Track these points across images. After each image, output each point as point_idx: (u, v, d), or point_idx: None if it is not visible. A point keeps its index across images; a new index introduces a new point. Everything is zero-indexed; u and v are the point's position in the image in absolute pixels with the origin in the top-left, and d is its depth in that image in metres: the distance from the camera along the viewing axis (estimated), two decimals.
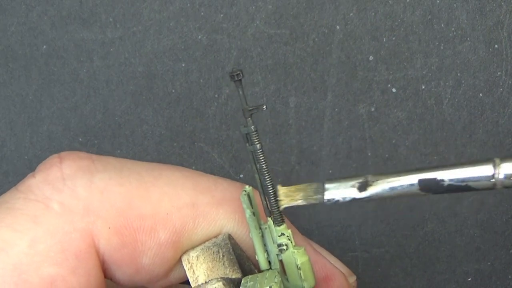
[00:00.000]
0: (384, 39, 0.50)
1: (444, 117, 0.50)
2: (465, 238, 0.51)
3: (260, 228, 0.38)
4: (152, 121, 0.51)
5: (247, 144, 0.36)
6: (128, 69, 0.51)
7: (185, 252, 0.39)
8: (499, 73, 0.49)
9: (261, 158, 0.36)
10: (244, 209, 0.37)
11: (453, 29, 0.49)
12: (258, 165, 0.36)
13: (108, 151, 0.51)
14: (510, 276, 0.51)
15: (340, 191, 0.36)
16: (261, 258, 0.38)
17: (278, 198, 0.37)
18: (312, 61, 0.50)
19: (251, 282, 0.37)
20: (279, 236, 0.37)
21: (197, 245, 0.39)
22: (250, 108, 0.36)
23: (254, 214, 0.37)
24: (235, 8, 0.50)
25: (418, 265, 0.51)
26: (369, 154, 0.50)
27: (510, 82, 0.49)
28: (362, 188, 0.36)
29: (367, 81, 0.50)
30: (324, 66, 0.50)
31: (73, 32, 0.51)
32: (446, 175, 0.35)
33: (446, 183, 0.35)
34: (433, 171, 0.35)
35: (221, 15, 0.50)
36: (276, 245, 0.37)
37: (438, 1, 0.49)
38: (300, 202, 0.36)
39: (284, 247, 0.37)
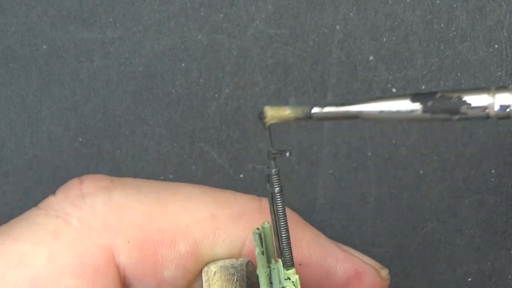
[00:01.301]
0: (384, 39, 0.50)
1: None
2: (465, 238, 0.51)
3: (269, 267, 0.38)
4: (152, 121, 0.51)
5: (268, 185, 0.37)
6: (128, 69, 0.51)
7: (207, 264, 0.39)
8: (499, 73, 0.49)
9: (279, 201, 0.37)
10: (254, 246, 0.37)
11: (453, 29, 0.49)
12: (275, 207, 0.37)
13: (108, 151, 0.51)
14: (510, 276, 0.51)
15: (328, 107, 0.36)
16: None
17: (264, 117, 0.37)
18: (312, 61, 0.50)
19: None
20: (285, 279, 0.37)
21: (219, 259, 0.39)
22: (274, 152, 0.37)
23: (263, 253, 0.37)
24: (235, 8, 0.50)
25: (418, 265, 0.51)
26: (369, 154, 0.50)
27: (510, 82, 0.49)
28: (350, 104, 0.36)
29: (367, 81, 0.50)
30: (324, 66, 0.50)
31: (73, 32, 0.51)
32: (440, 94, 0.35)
33: (437, 96, 0.35)
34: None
35: (221, 15, 0.50)
36: (281, 286, 0.38)
37: (438, 1, 0.49)
38: (287, 114, 0.36)
39: None
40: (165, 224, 0.39)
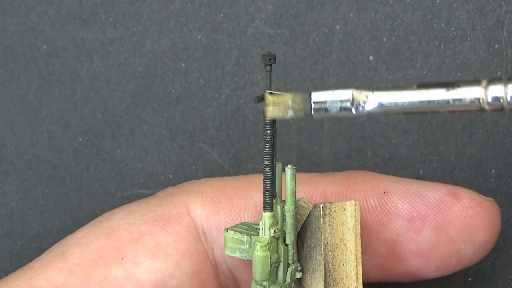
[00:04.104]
0: (384, 39, 0.50)
1: (444, 117, 0.50)
2: None
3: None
4: (152, 121, 0.51)
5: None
6: (128, 69, 0.51)
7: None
8: (499, 73, 0.49)
9: (268, 142, 0.37)
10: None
11: (453, 29, 0.49)
12: (264, 147, 0.38)
13: (108, 151, 0.51)
14: (510, 276, 0.51)
15: (329, 102, 0.36)
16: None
17: (264, 108, 0.37)
18: (312, 61, 0.50)
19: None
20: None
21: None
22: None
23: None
24: (235, 8, 0.50)
25: None
26: (369, 154, 0.50)
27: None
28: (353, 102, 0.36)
29: (367, 81, 0.50)
30: (324, 66, 0.50)
31: (73, 32, 0.51)
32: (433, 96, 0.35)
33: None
34: (433, 88, 0.35)
35: (221, 15, 0.50)
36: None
37: (438, 1, 0.49)
38: (288, 115, 0.37)
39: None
40: (240, 184, 0.43)
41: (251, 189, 0.42)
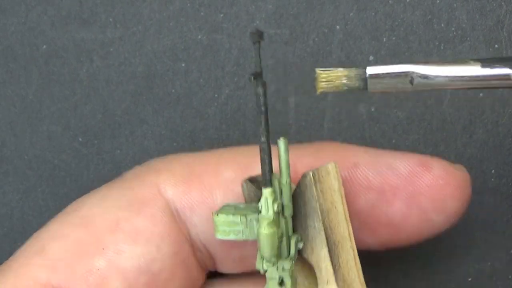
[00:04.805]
0: (384, 39, 0.50)
1: (444, 117, 0.50)
2: (465, 238, 0.51)
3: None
4: (152, 121, 0.51)
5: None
6: (128, 69, 0.51)
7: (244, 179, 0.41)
8: None
9: (263, 120, 0.38)
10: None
11: (453, 29, 0.49)
12: (261, 125, 0.38)
13: (108, 151, 0.51)
14: (510, 276, 0.51)
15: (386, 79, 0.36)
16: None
17: (316, 83, 0.37)
18: (312, 61, 0.50)
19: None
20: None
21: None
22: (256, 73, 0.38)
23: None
24: (235, 8, 0.50)
25: (418, 265, 0.51)
26: None
27: None
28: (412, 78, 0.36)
29: None
30: (324, 66, 0.50)
31: (73, 32, 0.51)
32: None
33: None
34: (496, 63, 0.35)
35: (221, 15, 0.50)
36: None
37: (438, 1, 0.49)
38: (342, 88, 0.37)
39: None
40: (209, 161, 0.42)
41: (220, 165, 0.42)
